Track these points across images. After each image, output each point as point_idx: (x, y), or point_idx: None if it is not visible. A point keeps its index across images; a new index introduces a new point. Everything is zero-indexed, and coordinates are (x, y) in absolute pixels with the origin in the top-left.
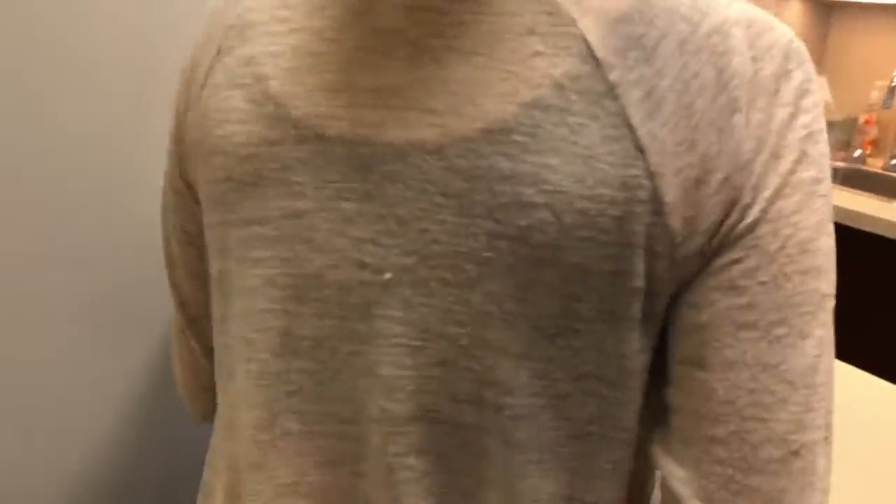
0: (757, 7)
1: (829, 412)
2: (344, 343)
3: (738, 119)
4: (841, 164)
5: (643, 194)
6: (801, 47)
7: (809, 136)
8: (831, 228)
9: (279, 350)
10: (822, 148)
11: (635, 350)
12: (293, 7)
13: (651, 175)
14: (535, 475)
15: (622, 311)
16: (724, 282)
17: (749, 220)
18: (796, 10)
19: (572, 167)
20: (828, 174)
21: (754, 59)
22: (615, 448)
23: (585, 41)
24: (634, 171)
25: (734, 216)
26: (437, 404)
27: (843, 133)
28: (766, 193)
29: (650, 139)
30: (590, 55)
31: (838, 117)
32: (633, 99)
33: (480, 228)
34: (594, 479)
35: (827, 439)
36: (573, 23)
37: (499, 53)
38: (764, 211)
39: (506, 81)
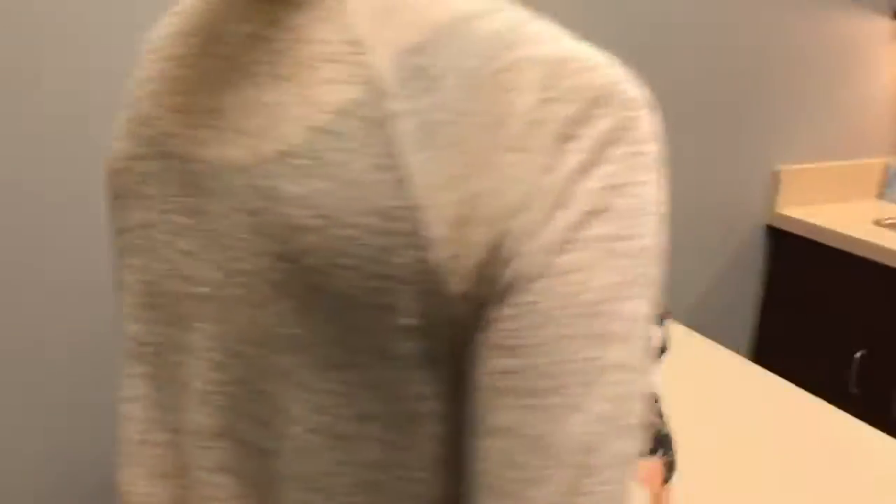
0: (589, 47)
1: (616, 500)
2: (172, 352)
3: (512, 159)
4: None
5: (405, 227)
6: (627, 95)
7: (613, 189)
8: (645, 292)
9: (133, 353)
10: (635, 203)
11: (419, 395)
12: (169, 35)
13: (415, 208)
14: None
15: (393, 348)
16: (494, 338)
17: (522, 272)
18: None
19: (342, 193)
20: (645, 232)
21: (547, 101)
22: (402, 500)
23: (375, 70)
24: (398, 203)
25: (501, 264)
26: (240, 423)
27: None
28: (544, 245)
29: (418, 171)
30: (375, 84)
31: None
32: (406, 129)
33: (269, 249)
34: None
35: None
36: (368, 52)
37: (302, 79)
38: (543, 265)
39: (301, 106)
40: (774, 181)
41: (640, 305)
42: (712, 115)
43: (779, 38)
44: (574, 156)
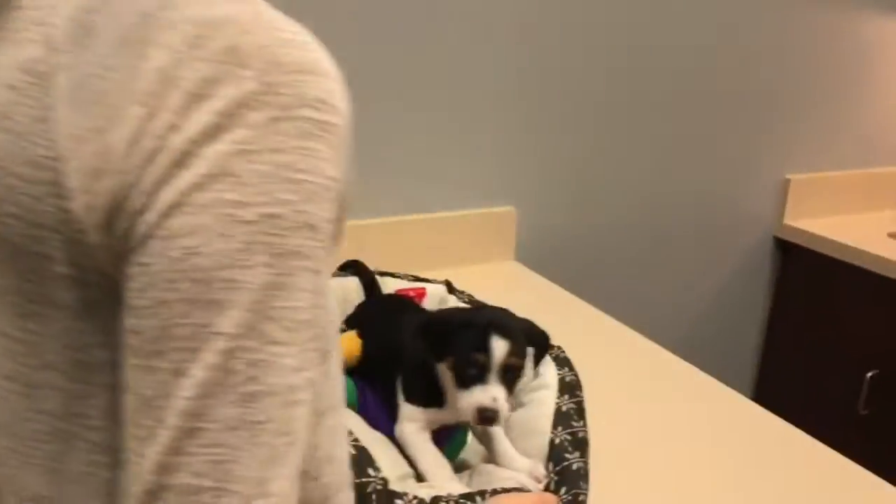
0: (267, 12)
1: (223, 464)
2: None
3: (137, 112)
4: None
5: (49, 176)
6: (286, 58)
7: (242, 154)
8: (276, 263)
9: None
10: (266, 170)
11: (88, 343)
12: None
13: (57, 158)
14: (13, 465)
15: (58, 297)
16: (125, 295)
17: (141, 230)
18: None
19: (10, 144)
20: (276, 200)
21: (187, 60)
22: (87, 450)
23: (53, 28)
24: (45, 153)
25: (124, 220)
26: None
27: None
28: (160, 205)
29: (64, 123)
30: (50, 41)
31: None
32: (61, 83)
33: None
34: (71, 484)
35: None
36: (52, 10)
37: (13, 40)
38: (156, 226)
39: (5, 68)
40: (783, 191)
41: (264, 275)
42: (717, 121)
43: (787, 42)
44: (203, 116)
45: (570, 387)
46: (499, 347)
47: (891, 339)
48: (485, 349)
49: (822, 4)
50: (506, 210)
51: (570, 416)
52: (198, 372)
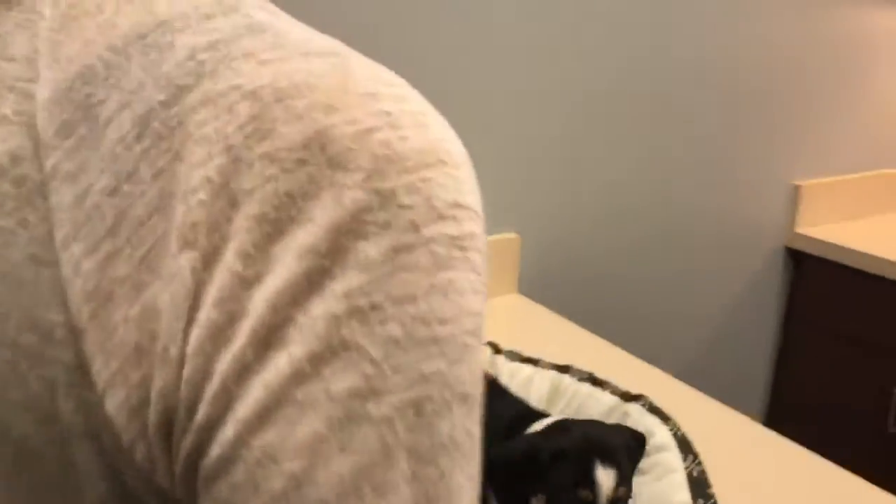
0: (359, 65)
1: None
2: None
3: (183, 261)
4: None
5: (65, 355)
6: (411, 151)
7: (358, 315)
8: (412, 471)
9: None
10: (397, 334)
11: None
12: None
13: (73, 328)
14: None
15: None
16: None
17: (216, 452)
18: None
19: (6, 295)
20: (415, 380)
21: (246, 160)
22: None
23: (37, 106)
24: (57, 316)
25: (185, 434)
26: None
27: None
28: (243, 410)
29: (77, 269)
30: (34, 127)
31: None
32: (64, 202)
33: None
34: None
35: None
36: (36, 78)
37: None
38: (239, 443)
39: None
40: (793, 198)
41: (412, 494)
42: (723, 127)
43: (791, 44)
44: (291, 258)
45: (685, 444)
46: (605, 479)
47: None
48: (589, 483)
49: (827, 5)
50: (509, 237)
51: (703, 482)
52: None
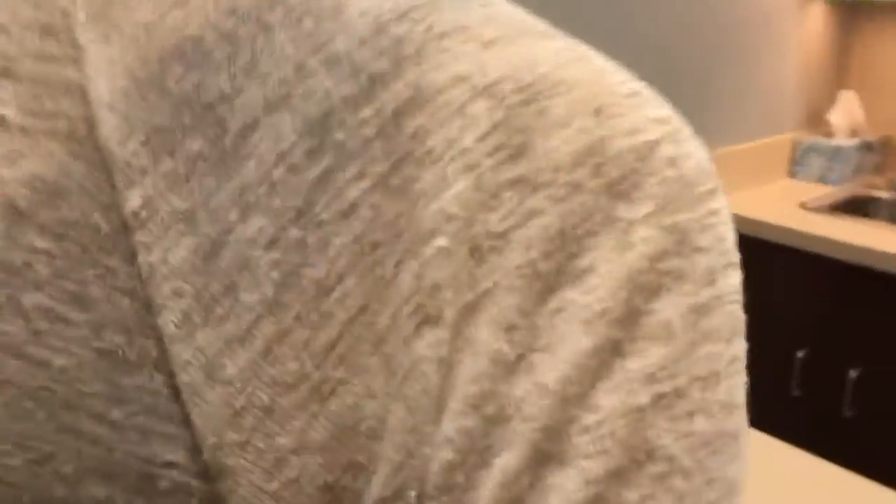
0: (601, 62)
1: None
2: None
3: (428, 352)
4: (885, 196)
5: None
6: (693, 175)
7: (664, 407)
8: None
9: None
10: (705, 427)
11: None
12: None
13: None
14: None
15: None
16: None
17: None
18: (817, 12)
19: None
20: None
21: (493, 191)
22: None
23: (84, 97)
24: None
25: None
26: None
27: (880, 155)
28: None
29: (204, 379)
30: (90, 138)
31: (871, 137)
32: (172, 262)
33: None
34: None
35: None
36: (77, 57)
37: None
38: None
39: None
40: None
41: None
42: None
43: (675, 13)
44: (575, 332)
45: None
46: None
47: (817, 314)
48: None
49: None
50: None
51: None
52: None
